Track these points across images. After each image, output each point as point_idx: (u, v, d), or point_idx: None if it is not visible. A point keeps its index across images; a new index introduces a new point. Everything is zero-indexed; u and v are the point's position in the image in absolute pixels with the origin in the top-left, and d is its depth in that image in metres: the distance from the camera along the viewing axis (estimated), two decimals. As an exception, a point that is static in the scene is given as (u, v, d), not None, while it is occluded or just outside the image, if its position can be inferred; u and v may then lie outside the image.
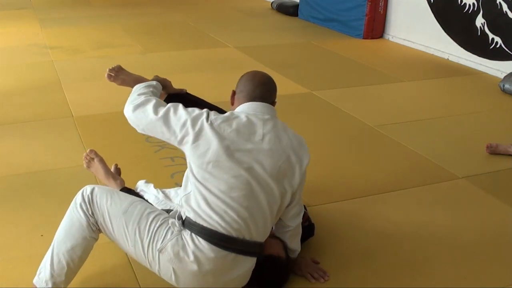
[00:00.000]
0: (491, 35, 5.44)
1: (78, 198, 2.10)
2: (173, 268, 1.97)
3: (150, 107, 2.12)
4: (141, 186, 2.68)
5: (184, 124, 2.05)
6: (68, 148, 3.52)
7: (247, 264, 2.04)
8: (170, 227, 2.00)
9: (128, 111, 2.17)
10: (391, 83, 5.14)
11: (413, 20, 6.47)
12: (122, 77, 2.51)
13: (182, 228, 1.99)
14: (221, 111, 2.31)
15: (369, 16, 6.79)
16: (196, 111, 2.11)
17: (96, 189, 2.10)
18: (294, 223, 2.25)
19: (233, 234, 1.95)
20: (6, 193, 2.97)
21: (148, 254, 1.99)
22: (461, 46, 5.81)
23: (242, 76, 2.29)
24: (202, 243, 1.94)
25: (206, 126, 2.04)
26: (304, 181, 2.19)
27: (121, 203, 2.06)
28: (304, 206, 2.43)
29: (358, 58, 5.96)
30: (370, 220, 2.77)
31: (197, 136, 2.03)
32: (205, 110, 2.12)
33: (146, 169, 2.96)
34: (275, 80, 2.29)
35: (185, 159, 3.22)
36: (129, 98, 2.22)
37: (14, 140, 3.65)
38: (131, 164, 3.02)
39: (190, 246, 1.95)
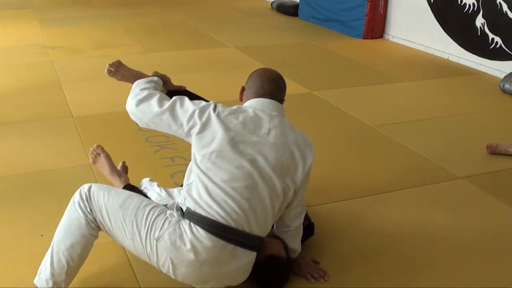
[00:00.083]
0: (491, 35, 5.44)
1: (76, 196, 2.10)
2: (170, 258, 1.96)
3: (154, 100, 2.14)
4: (145, 183, 2.67)
5: (191, 116, 2.07)
6: (68, 148, 3.52)
7: (246, 258, 2.02)
8: (167, 217, 2.00)
9: (131, 105, 2.18)
10: (391, 83, 5.14)
11: (413, 20, 6.47)
12: (122, 72, 2.51)
13: (181, 218, 1.99)
14: None
15: (369, 16, 6.79)
16: (202, 102, 2.14)
17: (93, 186, 2.11)
18: (295, 224, 2.24)
19: (232, 224, 1.95)
20: (6, 193, 2.97)
21: (146, 245, 1.99)
22: (461, 46, 5.81)
23: (252, 73, 2.31)
24: (200, 232, 1.94)
25: (213, 116, 2.06)
26: (308, 181, 2.19)
27: (118, 198, 2.07)
28: (304, 205, 2.43)
29: (358, 58, 5.97)
30: (370, 220, 2.77)
31: (204, 126, 2.05)
32: (212, 102, 2.15)
33: (146, 169, 2.97)
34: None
35: (185, 158, 3.24)
36: (131, 93, 2.23)
37: (14, 140, 3.65)
38: (131, 164, 3.01)
39: (187, 235, 1.94)
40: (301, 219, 2.27)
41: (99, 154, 2.74)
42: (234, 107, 2.14)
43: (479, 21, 5.55)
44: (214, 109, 2.09)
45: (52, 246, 2.08)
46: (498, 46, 5.38)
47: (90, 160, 2.78)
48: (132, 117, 2.21)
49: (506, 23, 5.26)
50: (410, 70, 5.61)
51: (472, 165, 3.42)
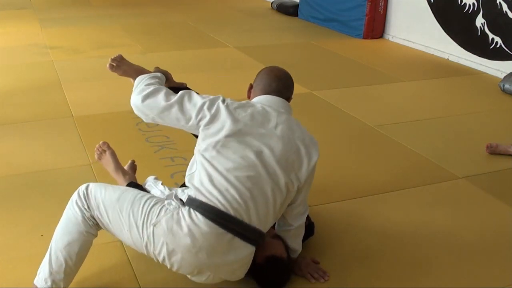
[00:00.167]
0: (491, 35, 5.44)
1: (74, 196, 2.12)
2: (166, 243, 1.95)
3: (161, 95, 2.15)
4: (149, 181, 2.67)
5: (201, 108, 2.09)
6: (68, 148, 3.52)
7: (244, 251, 2.01)
8: (164, 205, 2.00)
9: (137, 100, 2.18)
10: (391, 83, 5.14)
11: (413, 20, 6.47)
12: (124, 67, 2.51)
13: (180, 205, 2.00)
14: None
15: (369, 16, 6.79)
16: (210, 96, 2.15)
17: (91, 185, 2.13)
18: (297, 223, 2.25)
19: (232, 212, 1.95)
20: (6, 193, 2.97)
21: (143, 234, 1.98)
22: (461, 46, 5.81)
23: (260, 71, 2.34)
24: (198, 217, 1.94)
25: (222, 107, 2.09)
26: (312, 179, 2.20)
27: (114, 192, 2.08)
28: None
29: (358, 58, 5.97)
30: (370, 220, 2.77)
31: (213, 117, 2.07)
32: (219, 95, 2.17)
33: (146, 169, 2.97)
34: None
35: (185, 158, 3.24)
36: (135, 89, 2.23)
37: (14, 140, 3.65)
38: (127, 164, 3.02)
39: (186, 220, 1.94)
40: (303, 219, 2.27)
41: (104, 151, 2.75)
42: (243, 101, 2.18)
43: (479, 21, 5.55)
44: (223, 101, 2.13)
45: (51, 245, 2.09)
46: (498, 46, 5.38)
47: (96, 157, 2.78)
48: (137, 112, 2.21)
49: (506, 23, 5.26)
50: (410, 70, 5.61)
51: (472, 165, 3.42)
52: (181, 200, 2.04)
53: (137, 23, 7.43)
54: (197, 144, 2.11)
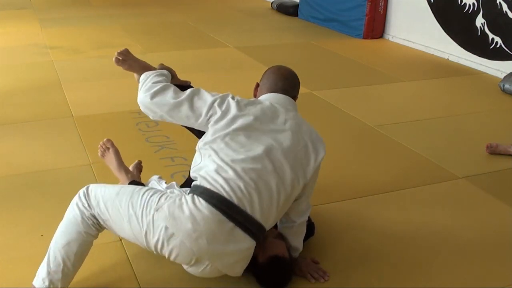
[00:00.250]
0: (491, 35, 5.44)
1: (74, 199, 2.13)
2: (165, 227, 1.93)
3: (171, 93, 2.17)
4: (153, 180, 2.67)
5: (211, 105, 2.12)
6: (68, 148, 3.52)
7: (244, 243, 2.00)
8: (165, 193, 2.02)
9: (145, 98, 2.18)
10: (391, 83, 5.14)
11: (413, 20, 6.47)
12: (130, 62, 2.51)
13: (183, 193, 2.01)
14: None
15: (369, 16, 6.79)
16: (219, 93, 2.18)
17: (91, 185, 2.14)
18: (300, 220, 2.26)
19: (235, 201, 1.96)
20: (6, 193, 2.97)
21: (143, 222, 1.98)
22: (461, 46, 5.81)
23: (266, 70, 2.38)
24: (201, 202, 1.95)
25: (232, 103, 2.12)
26: (317, 177, 2.22)
27: (114, 188, 2.10)
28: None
29: (358, 58, 5.96)
30: (370, 220, 2.77)
31: (224, 114, 2.10)
32: (228, 92, 2.20)
33: (146, 169, 2.96)
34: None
35: (185, 158, 3.23)
36: (142, 87, 2.23)
37: (14, 140, 3.65)
38: (131, 164, 3.01)
39: (188, 205, 1.95)
40: (305, 216, 2.29)
41: (108, 149, 2.75)
42: (251, 99, 2.22)
43: (479, 21, 5.55)
44: (233, 98, 2.16)
45: (50, 246, 2.09)
46: (498, 46, 5.38)
47: (99, 154, 2.78)
48: (144, 110, 2.21)
49: (506, 23, 5.26)
50: (410, 70, 5.61)
51: (472, 165, 3.42)
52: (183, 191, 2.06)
53: (137, 23, 7.43)
54: (203, 138, 2.12)
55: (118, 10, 8.33)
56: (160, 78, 2.26)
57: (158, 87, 2.19)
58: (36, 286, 2.07)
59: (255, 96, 2.36)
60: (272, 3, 8.73)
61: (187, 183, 2.51)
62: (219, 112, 2.10)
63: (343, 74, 5.40)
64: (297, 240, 2.31)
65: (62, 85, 4.75)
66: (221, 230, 1.95)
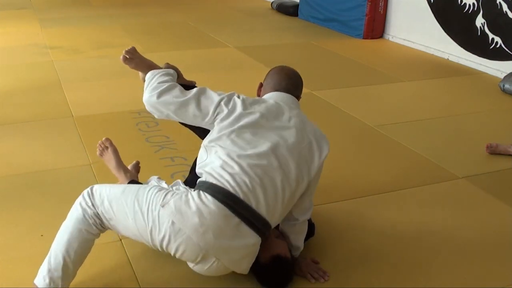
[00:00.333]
0: (491, 35, 5.44)
1: (78, 199, 2.13)
2: (172, 222, 1.94)
3: (177, 92, 2.19)
4: (152, 180, 2.67)
5: (218, 104, 2.15)
6: (68, 148, 3.52)
7: (250, 239, 2.01)
8: (171, 190, 2.03)
9: (151, 97, 2.20)
10: (391, 83, 5.14)
11: (413, 20, 6.47)
12: (137, 60, 2.51)
13: (189, 189, 2.02)
14: None
15: (369, 16, 6.79)
16: (225, 92, 2.21)
17: (95, 185, 2.15)
18: (302, 218, 2.27)
19: (241, 196, 1.97)
20: (6, 193, 2.97)
21: (148, 218, 1.98)
22: (461, 46, 5.81)
23: (270, 70, 2.42)
24: (208, 197, 1.96)
25: (238, 101, 2.16)
26: (320, 174, 2.23)
27: (119, 187, 2.12)
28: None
29: (358, 58, 5.97)
30: (370, 220, 2.77)
31: (230, 112, 2.13)
32: (233, 91, 2.24)
33: (146, 169, 2.96)
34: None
35: (185, 158, 3.23)
36: (148, 86, 2.24)
37: (14, 140, 3.65)
38: (130, 164, 3.02)
39: (194, 200, 1.96)
40: (308, 215, 2.30)
41: (107, 148, 2.75)
42: (256, 98, 2.25)
43: (479, 21, 5.55)
44: (238, 96, 2.19)
45: (52, 245, 2.09)
46: (498, 46, 5.38)
47: (97, 153, 2.78)
48: (150, 109, 2.23)
49: (506, 23, 5.26)
50: (410, 70, 5.61)
51: (472, 165, 3.42)
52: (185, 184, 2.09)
53: (137, 23, 7.43)
54: (208, 136, 2.14)
55: (118, 10, 8.33)
56: (166, 78, 2.27)
57: (164, 86, 2.20)
58: (37, 284, 2.07)
59: (258, 95, 2.38)
60: (272, 3, 8.73)
61: (187, 183, 2.51)
62: (225, 111, 2.13)
63: (343, 74, 5.40)
64: (298, 239, 2.31)
65: (62, 85, 4.76)
66: (228, 225, 1.96)
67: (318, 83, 4.94)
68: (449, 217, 2.82)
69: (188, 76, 2.60)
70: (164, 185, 2.57)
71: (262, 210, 2.01)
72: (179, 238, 1.96)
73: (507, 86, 4.80)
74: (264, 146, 2.07)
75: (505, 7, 5.25)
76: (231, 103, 2.15)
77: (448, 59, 5.96)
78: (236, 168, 2.00)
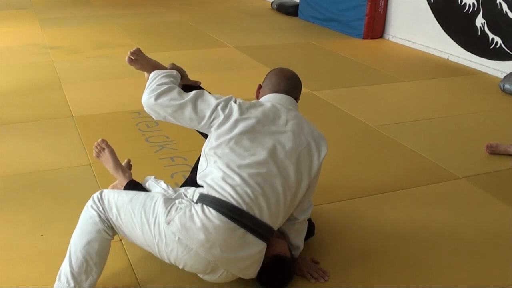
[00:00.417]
0: (491, 35, 5.44)
1: (88, 202, 2.15)
2: (179, 239, 1.95)
3: (175, 95, 2.18)
4: (150, 180, 2.67)
5: (215, 109, 2.14)
6: (68, 148, 3.52)
7: (256, 247, 2.02)
8: (175, 204, 2.03)
9: (149, 99, 2.20)
10: (391, 83, 5.14)
11: (413, 20, 6.47)
12: (142, 61, 2.53)
13: (192, 202, 2.02)
14: None
15: (369, 16, 6.79)
16: (222, 96, 2.20)
17: (104, 190, 2.17)
18: (302, 217, 2.28)
19: (244, 207, 1.98)
20: (6, 193, 2.97)
21: (155, 231, 2.00)
22: (461, 46, 5.81)
23: (269, 72, 2.41)
24: (212, 212, 1.96)
25: (235, 107, 2.14)
26: (319, 174, 2.23)
27: (127, 195, 2.13)
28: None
29: (358, 58, 5.97)
30: (370, 220, 2.77)
31: (227, 117, 2.12)
32: (231, 95, 2.22)
33: (146, 169, 2.97)
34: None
35: (185, 158, 3.23)
36: (148, 87, 2.24)
37: (14, 140, 3.65)
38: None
39: (199, 215, 1.96)
40: (307, 214, 2.30)
41: (103, 149, 2.74)
42: (253, 101, 2.23)
43: (479, 21, 5.55)
44: (235, 101, 2.18)
45: (69, 248, 2.09)
46: (498, 46, 5.38)
47: (94, 154, 2.78)
48: (148, 111, 2.23)
49: (506, 23, 5.26)
50: (410, 70, 5.61)
51: (472, 165, 3.42)
52: (191, 199, 2.07)
53: (137, 23, 7.44)
54: (207, 143, 2.14)
55: (118, 10, 8.33)
56: (166, 80, 2.27)
57: (163, 88, 2.20)
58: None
59: (257, 97, 2.38)
60: (272, 3, 8.74)
61: (188, 183, 2.51)
62: (222, 116, 2.12)
63: (343, 74, 5.40)
64: (298, 238, 2.32)
65: (62, 85, 4.76)
66: (233, 237, 1.97)
67: (318, 83, 4.94)
68: (449, 217, 2.82)
69: (188, 76, 2.60)
70: (162, 184, 2.57)
71: (266, 217, 2.03)
72: (187, 254, 1.98)
73: (507, 86, 4.80)
74: (263, 153, 2.07)
75: (505, 7, 5.25)
76: (228, 108, 2.14)
77: (448, 59, 5.96)
78: (237, 179, 2.01)
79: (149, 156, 3.42)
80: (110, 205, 2.09)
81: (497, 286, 2.31)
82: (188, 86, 2.52)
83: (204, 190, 2.04)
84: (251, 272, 2.10)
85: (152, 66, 2.50)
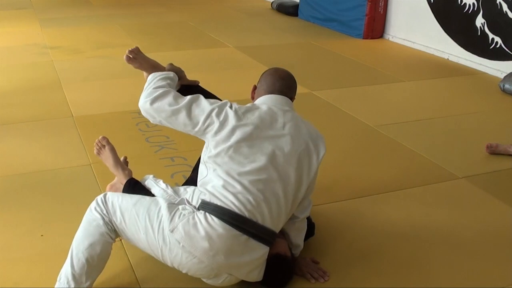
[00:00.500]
0: (491, 35, 5.44)
1: (92, 204, 2.15)
2: (183, 247, 1.96)
3: (170, 99, 2.17)
4: (149, 179, 2.67)
5: (209, 115, 2.12)
6: (68, 148, 3.52)
7: (259, 251, 2.04)
8: (178, 210, 2.03)
9: (145, 103, 2.20)
10: (391, 83, 5.14)
11: (413, 20, 6.47)
12: (140, 60, 2.52)
13: (195, 210, 2.02)
14: None
15: (369, 16, 6.79)
16: (218, 101, 2.18)
17: (108, 193, 2.17)
18: (302, 215, 2.28)
19: (246, 214, 1.98)
20: (6, 193, 2.97)
21: (159, 237, 2.01)
22: (461, 46, 5.81)
23: (264, 72, 2.39)
24: (215, 220, 1.97)
25: (231, 113, 2.12)
26: (317, 173, 2.23)
27: (131, 199, 2.13)
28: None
29: (358, 58, 5.97)
30: (370, 220, 2.77)
31: (222, 124, 2.10)
32: (226, 100, 2.20)
33: (146, 169, 2.97)
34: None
35: (185, 159, 3.23)
36: (145, 91, 2.24)
37: (14, 140, 3.65)
38: (131, 164, 3.01)
39: (202, 223, 1.97)
40: (307, 212, 2.31)
41: (104, 146, 2.74)
42: (249, 105, 2.22)
43: (479, 21, 5.55)
44: (231, 107, 2.16)
45: (71, 250, 2.09)
46: (498, 46, 5.38)
47: (95, 151, 2.78)
48: (145, 114, 2.23)
49: (506, 23, 5.26)
50: (410, 70, 5.61)
51: (472, 165, 3.42)
52: (191, 203, 2.07)
53: (137, 23, 7.44)
54: (207, 151, 2.14)
55: (118, 10, 8.33)
56: (163, 83, 2.26)
57: (158, 92, 2.19)
58: None
59: (252, 98, 2.36)
60: (272, 3, 8.74)
61: (188, 182, 2.51)
62: (216, 123, 2.10)
63: (343, 74, 5.40)
64: (298, 237, 2.32)
65: (62, 85, 4.76)
66: (236, 243, 1.98)
67: (318, 83, 4.94)
68: (449, 217, 2.82)
69: (188, 76, 2.60)
70: (161, 184, 2.58)
71: (268, 222, 2.04)
72: (190, 261, 1.99)
73: (507, 86, 4.80)
74: (262, 159, 2.06)
75: (505, 7, 5.25)
76: (223, 114, 2.12)
77: (448, 59, 5.97)
78: (238, 187, 2.01)
79: (149, 156, 3.42)
80: (114, 208, 2.09)
81: (497, 286, 2.31)
82: (186, 86, 2.51)
83: (206, 197, 2.04)
84: (255, 275, 2.10)
85: (150, 65, 2.49)
